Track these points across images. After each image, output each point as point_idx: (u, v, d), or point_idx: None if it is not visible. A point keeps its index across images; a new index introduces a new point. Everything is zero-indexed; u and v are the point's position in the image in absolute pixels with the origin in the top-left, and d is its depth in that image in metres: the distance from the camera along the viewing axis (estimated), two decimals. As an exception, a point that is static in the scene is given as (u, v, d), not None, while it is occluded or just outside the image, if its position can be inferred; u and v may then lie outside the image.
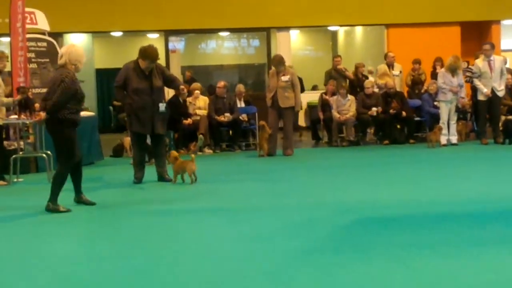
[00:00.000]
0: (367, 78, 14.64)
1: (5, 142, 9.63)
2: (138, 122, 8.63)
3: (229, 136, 13.23)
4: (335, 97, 13.29)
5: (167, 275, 4.34)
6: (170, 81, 8.98)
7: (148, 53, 8.49)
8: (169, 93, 12.33)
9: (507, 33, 17.47)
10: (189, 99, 12.97)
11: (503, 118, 12.57)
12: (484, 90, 12.21)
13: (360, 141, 13.33)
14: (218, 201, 7.21)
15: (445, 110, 12.21)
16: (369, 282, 4.01)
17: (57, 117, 6.63)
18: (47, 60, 11.95)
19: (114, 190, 8.40)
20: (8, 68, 10.21)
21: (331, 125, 13.13)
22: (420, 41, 16.00)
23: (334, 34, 20.61)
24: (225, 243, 5.18)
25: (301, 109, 12.71)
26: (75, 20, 15.91)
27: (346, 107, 13.05)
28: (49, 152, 9.24)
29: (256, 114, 13.16)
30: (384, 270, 4.23)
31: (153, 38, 18.22)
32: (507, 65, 13.44)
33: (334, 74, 14.55)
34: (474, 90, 12.69)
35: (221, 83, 13.12)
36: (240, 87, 13.78)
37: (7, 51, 10.39)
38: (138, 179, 8.72)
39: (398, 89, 13.73)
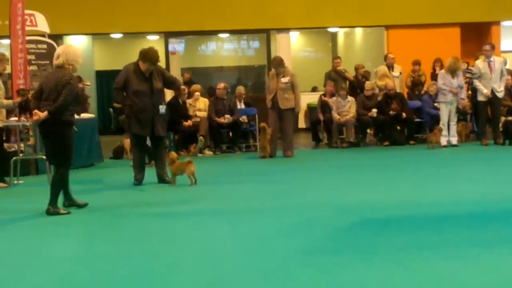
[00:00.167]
0: (367, 79, 14.67)
1: (5, 144, 9.63)
2: (138, 124, 8.64)
3: (229, 137, 13.26)
4: (334, 98, 13.32)
5: (167, 275, 4.35)
6: (170, 83, 9.01)
7: (149, 55, 8.50)
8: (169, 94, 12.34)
9: (506, 34, 17.48)
10: (189, 101, 12.98)
11: (503, 119, 12.58)
12: (484, 91, 12.22)
13: (360, 142, 13.36)
14: (218, 202, 7.22)
15: (445, 111, 12.22)
16: (369, 283, 4.01)
17: (59, 118, 6.59)
18: (47, 62, 11.98)
19: (114, 191, 8.40)
20: (8, 70, 10.22)
21: (331, 126, 13.15)
22: (420, 42, 16.00)
23: (334, 36, 20.65)
24: (225, 244, 5.19)
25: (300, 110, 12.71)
26: (75, 22, 15.92)
27: (346, 109, 13.07)
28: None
29: (256, 115, 13.15)
30: (384, 271, 4.23)
31: (153, 40, 18.27)
32: (507, 66, 13.45)
33: (334, 76, 14.58)
34: (474, 91, 12.71)
35: (221, 85, 13.14)
36: (240, 89, 13.80)
37: (7, 53, 10.40)
38: (138, 181, 8.73)
39: (398, 91, 13.75)
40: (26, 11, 11.55)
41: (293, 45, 18.27)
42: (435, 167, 9.67)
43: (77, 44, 16.50)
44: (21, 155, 9.66)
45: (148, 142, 9.11)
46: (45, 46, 12.39)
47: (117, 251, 5.09)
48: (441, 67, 13.47)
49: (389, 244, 4.94)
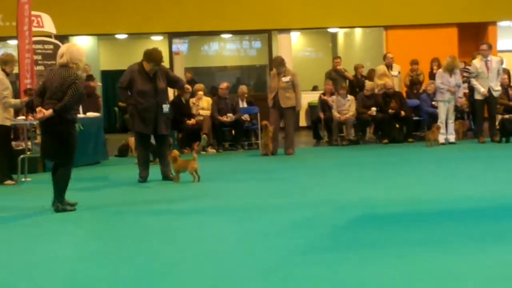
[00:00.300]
0: (366, 78, 14.81)
1: (13, 143, 9.76)
2: (141, 122, 8.72)
3: (231, 136, 13.37)
4: (334, 97, 13.44)
5: (167, 275, 4.31)
6: (174, 82, 9.16)
7: (153, 56, 8.61)
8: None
9: (503, 34, 17.53)
10: (192, 100, 13.10)
11: (499, 117, 12.65)
12: (481, 89, 12.26)
13: (360, 140, 13.48)
14: (220, 200, 7.25)
15: (443, 110, 12.30)
16: (369, 280, 4.00)
17: (64, 117, 6.62)
18: (53, 62, 11.98)
19: (119, 189, 8.48)
20: (15, 70, 10.40)
21: (331, 124, 13.24)
22: (418, 42, 16.07)
23: (334, 36, 20.63)
24: (226, 243, 5.17)
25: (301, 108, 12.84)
26: (80, 23, 16.04)
27: (346, 107, 13.19)
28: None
29: (258, 114, 13.26)
30: (384, 268, 4.22)
31: (157, 40, 18.31)
32: (504, 66, 13.59)
33: (334, 75, 14.71)
34: (471, 89, 12.79)
35: (224, 84, 13.24)
36: (243, 88, 13.86)
37: (14, 53, 10.52)
38: (143, 178, 8.82)
39: (397, 89, 13.85)
40: (33, 12, 11.66)
41: (294, 45, 18.30)
42: (433, 165, 9.73)
43: (82, 45, 16.62)
44: (28, 153, 9.72)
45: (152, 140, 9.20)
46: (51, 46, 12.52)
47: (119, 250, 5.09)
48: (439, 66, 13.55)
49: (389, 241, 4.95)
